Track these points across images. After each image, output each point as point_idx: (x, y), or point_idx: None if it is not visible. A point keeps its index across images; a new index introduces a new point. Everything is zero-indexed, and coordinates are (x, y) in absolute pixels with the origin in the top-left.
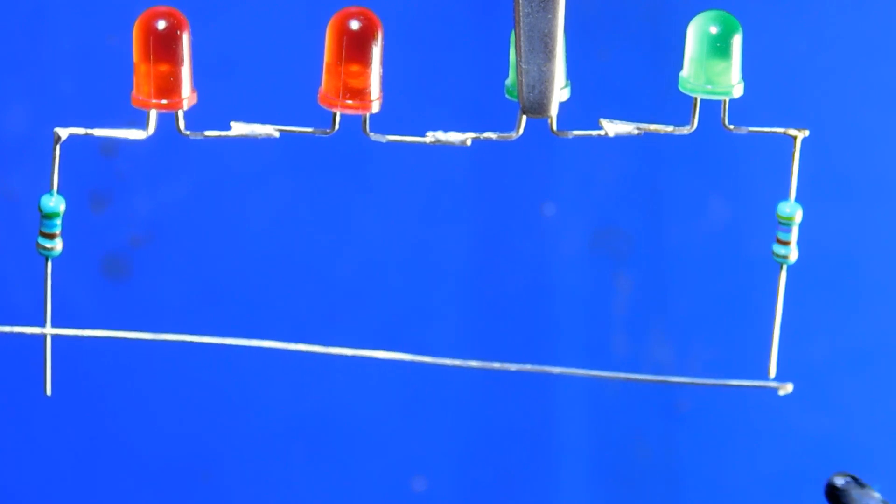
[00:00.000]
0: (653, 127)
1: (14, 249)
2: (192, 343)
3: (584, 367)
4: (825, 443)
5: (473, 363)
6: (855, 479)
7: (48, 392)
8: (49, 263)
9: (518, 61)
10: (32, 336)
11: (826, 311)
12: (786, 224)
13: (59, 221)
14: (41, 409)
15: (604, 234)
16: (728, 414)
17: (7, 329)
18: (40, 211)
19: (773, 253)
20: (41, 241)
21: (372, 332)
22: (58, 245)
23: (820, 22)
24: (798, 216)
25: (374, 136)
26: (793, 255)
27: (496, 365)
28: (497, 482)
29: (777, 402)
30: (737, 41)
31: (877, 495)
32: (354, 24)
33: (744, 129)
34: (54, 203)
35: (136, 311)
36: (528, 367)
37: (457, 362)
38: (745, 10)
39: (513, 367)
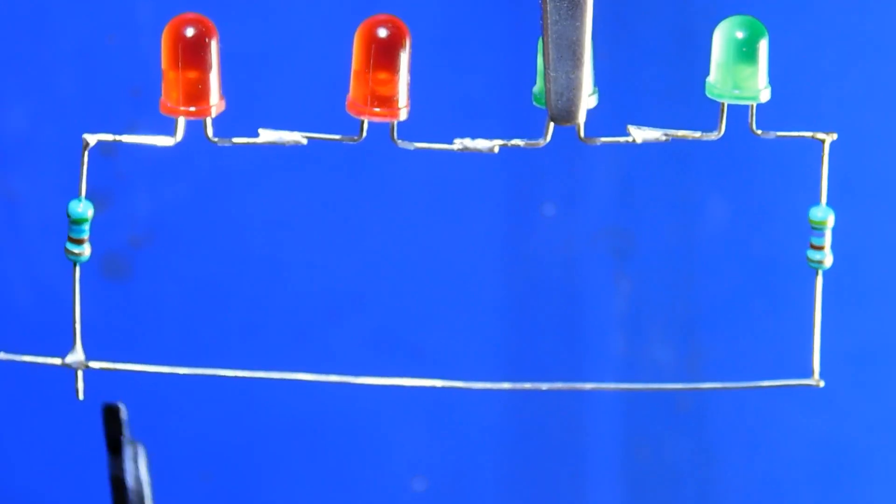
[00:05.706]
0: (680, 133)
1: (14, 249)
2: (191, 343)
3: (583, 365)
4: (825, 442)
5: (436, 382)
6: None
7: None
8: (77, 269)
9: (546, 69)
10: (32, 337)
11: (826, 311)
12: (818, 229)
13: (87, 227)
14: (40, 408)
15: (604, 234)
16: (728, 414)
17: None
18: (69, 216)
19: (807, 259)
20: (70, 246)
21: (372, 332)
22: (86, 250)
23: (841, 23)
24: (831, 220)
25: (401, 144)
26: (828, 259)
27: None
28: (497, 482)
29: (777, 402)
30: (763, 46)
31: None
32: (382, 32)
33: (772, 134)
34: (82, 208)
35: (136, 311)
36: (506, 385)
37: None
38: (768, 14)
39: (506, 385)
